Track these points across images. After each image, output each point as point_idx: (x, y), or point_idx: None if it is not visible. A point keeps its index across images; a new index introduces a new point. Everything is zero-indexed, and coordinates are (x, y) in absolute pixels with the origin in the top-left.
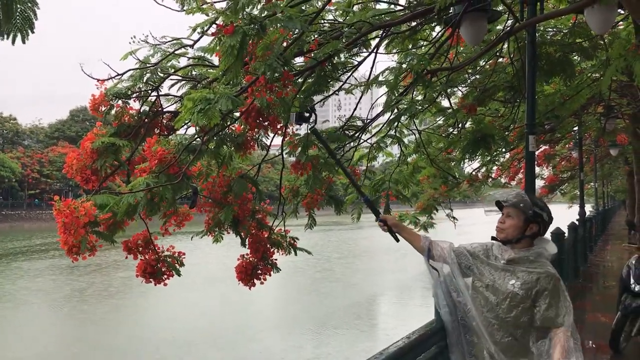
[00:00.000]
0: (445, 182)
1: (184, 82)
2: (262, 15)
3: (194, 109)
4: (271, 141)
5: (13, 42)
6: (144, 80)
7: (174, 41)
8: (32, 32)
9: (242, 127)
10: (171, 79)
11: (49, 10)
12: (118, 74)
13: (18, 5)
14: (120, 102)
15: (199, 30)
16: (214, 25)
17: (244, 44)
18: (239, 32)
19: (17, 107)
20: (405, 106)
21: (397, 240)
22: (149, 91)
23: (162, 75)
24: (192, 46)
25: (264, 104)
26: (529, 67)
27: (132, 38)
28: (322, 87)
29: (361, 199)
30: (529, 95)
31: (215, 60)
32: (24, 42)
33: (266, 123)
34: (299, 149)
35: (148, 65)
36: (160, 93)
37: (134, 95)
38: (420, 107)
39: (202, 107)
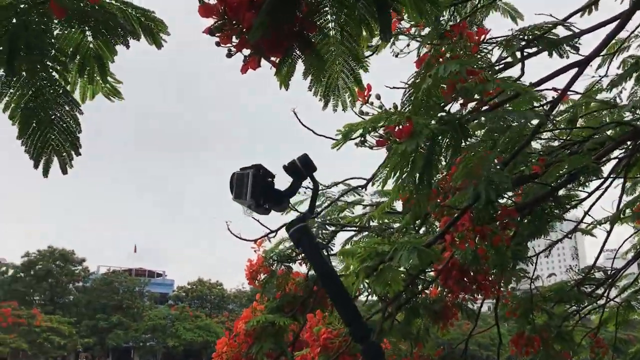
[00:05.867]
0: None
1: (361, 234)
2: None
3: (361, 270)
4: (480, 306)
5: (46, 173)
6: None
7: (344, 182)
8: (77, 154)
9: (440, 290)
10: (346, 230)
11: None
12: (272, 231)
13: (53, 111)
14: (282, 266)
15: (357, 137)
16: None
17: (432, 154)
18: (420, 132)
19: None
20: None
21: None
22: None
23: (332, 228)
24: (364, 186)
25: (468, 258)
26: None
27: None
28: (541, 230)
29: None
30: None
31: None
32: (65, 171)
33: (473, 285)
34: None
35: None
36: (331, 252)
37: (299, 257)
38: None
39: (370, 264)
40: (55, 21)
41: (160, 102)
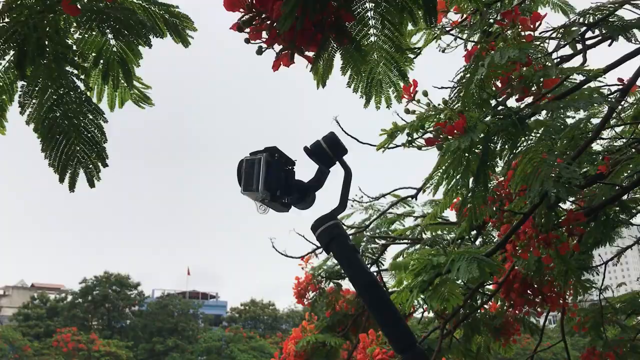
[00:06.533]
0: None
1: (413, 247)
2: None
3: (414, 285)
4: (545, 320)
5: (72, 186)
6: (360, 252)
7: (392, 193)
8: (104, 166)
9: (500, 304)
10: (397, 243)
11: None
12: (318, 247)
13: (76, 120)
14: (332, 283)
15: (404, 137)
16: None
17: (487, 152)
18: (475, 127)
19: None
20: None
21: None
22: (369, 264)
23: (383, 242)
24: (414, 196)
25: (531, 268)
26: None
27: None
28: (607, 236)
29: None
30: None
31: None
32: (92, 184)
33: (537, 297)
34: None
35: (357, 228)
36: (382, 267)
37: None
38: None
39: (425, 279)
40: (74, 23)
41: (187, 110)
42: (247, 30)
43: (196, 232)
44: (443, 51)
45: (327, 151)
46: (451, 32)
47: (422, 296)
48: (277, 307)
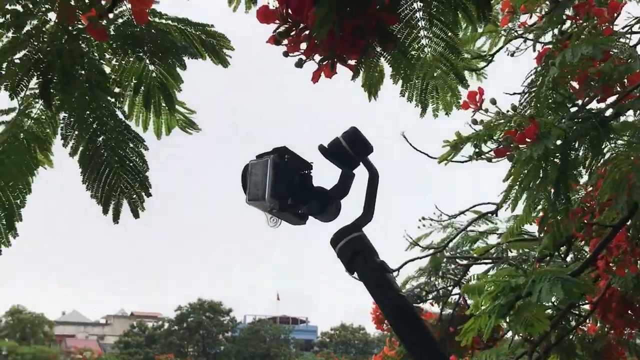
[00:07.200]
0: None
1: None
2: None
3: (492, 309)
4: None
5: (116, 218)
6: (440, 273)
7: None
8: (148, 195)
9: (600, 325)
10: (480, 263)
11: None
12: (394, 270)
13: (118, 149)
14: None
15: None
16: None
17: (567, 160)
18: (549, 133)
19: None
20: None
21: None
22: (449, 288)
23: (465, 262)
24: (495, 212)
25: (629, 286)
26: None
27: (421, 220)
28: None
29: None
30: None
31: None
32: (136, 214)
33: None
34: None
35: (435, 248)
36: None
37: (430, 296)
38: None
39: (503, 302)
40: (109, 49)
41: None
42: (285, 42)
43: (285, 255)
44: (512, 55)
45: (348, 150)
46: (520, 33)
47: (504, 321)
48: (367, 331)
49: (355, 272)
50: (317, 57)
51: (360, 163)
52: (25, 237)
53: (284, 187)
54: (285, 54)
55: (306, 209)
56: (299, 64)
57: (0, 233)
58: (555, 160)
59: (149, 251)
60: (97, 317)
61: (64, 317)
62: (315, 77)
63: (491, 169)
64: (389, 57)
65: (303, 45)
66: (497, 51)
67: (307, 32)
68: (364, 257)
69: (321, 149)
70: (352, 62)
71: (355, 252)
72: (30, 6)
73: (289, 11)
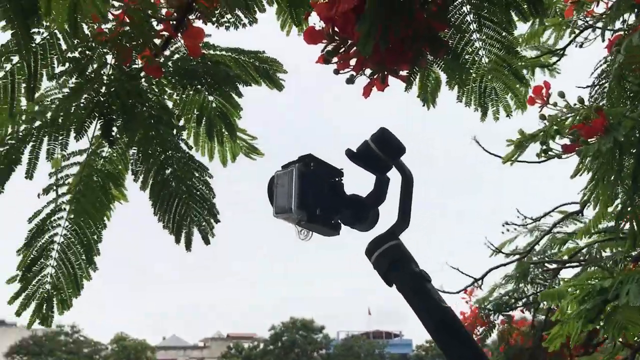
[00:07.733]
0: None
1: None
2: None
3: (579, 314)
4: None
5: (188, 246)
6: (529, 279)
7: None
8: (217, 222)
9: None
10: (570, 266)
11: None
12: (477, 279)
13: (185, 179)
14: (501, 316)
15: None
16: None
17: None
18: (618, 124)
19: None
20: None
21: None
22: (538, 294)
23: (553, 266)
24: (580, 212)
25: None
26: None
27: (504, 224)
28: None
29: None
30: None
31: None
32: (207, 241)
33: None
34: None
35: (520, 253)
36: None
37: (520, 303)
38: None
39: (589, 307)
40: (169, 85)
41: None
42: (334, 60)
43: (374, 270)
44: (580, 46)
45: (378, 153)
46: (589, 23)
47: (598, 325)
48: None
49: (393, 281)
50: (368, 72)
51: (393, 166)
52: (121, 268)
53: (311, 196)
54: (336, 72)
55: (339, 219)
56: (350, 81)
57: (82, 268)
58: (632, 151)
59: (239, 270)
60: (195, 340)
61: (164, 342)
62: (367, 92)
63: (561, 165)
64: (442, 64)
65: (352, 61)
66: (568, 44)
67: (355, 48)
68: (401, 266)
69: (349, 153)
70: (403, 73)
71: (392, 261)
72: (88, 52)
73: (336, 29)
